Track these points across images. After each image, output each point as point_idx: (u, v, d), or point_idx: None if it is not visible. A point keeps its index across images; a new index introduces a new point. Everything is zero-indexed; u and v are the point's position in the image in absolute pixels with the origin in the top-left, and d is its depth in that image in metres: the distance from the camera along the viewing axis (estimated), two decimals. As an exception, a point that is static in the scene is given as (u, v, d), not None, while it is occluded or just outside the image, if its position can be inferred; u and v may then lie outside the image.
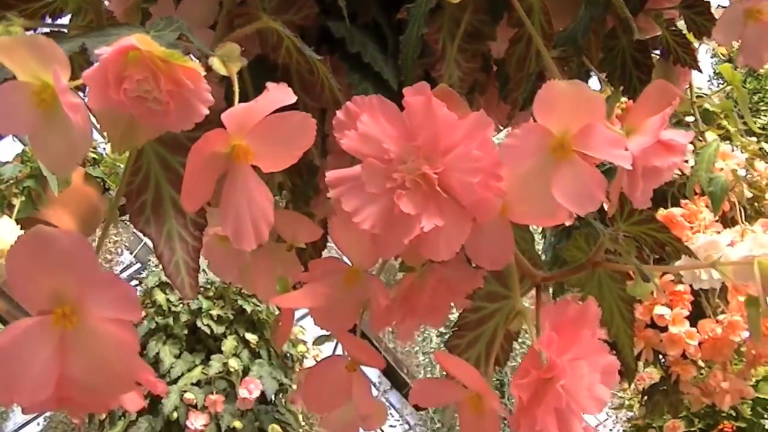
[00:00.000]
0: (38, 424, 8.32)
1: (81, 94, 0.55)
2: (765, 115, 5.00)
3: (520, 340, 0.80)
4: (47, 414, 7.70)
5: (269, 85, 0.55)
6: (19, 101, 0.56)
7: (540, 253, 1.89)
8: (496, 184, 0.58)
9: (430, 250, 0.59)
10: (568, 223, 2.09)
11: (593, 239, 0.78)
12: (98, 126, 0.58)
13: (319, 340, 0.79)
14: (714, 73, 5.82)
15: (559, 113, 0.58)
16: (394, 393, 8.67)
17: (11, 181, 2.40)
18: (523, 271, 0.73)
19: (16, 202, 2.39)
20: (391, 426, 8.41)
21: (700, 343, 1.96)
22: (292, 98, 0.55)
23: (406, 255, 0.66)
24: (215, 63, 0.58)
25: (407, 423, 8.72)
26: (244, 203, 0.58)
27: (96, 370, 0.54)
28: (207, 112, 0.55)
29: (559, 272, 0.80)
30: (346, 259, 0.72)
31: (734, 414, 3.26)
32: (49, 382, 0.53)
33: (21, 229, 2.21)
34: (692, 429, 3.01)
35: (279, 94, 0.55)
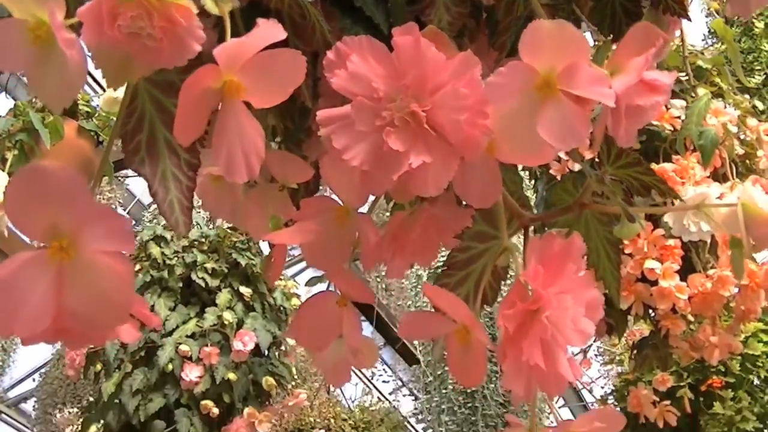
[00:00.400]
0: (33, 380, 8.38)
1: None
2: (759, 75, 5.00)
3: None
4: (42, 370, 7.76)
5: (260, 21, 0.56)
6: (15, 38, 0.57)
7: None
8: (482, 122, 0.59)
9: (418, 186, 0.61)
10: (559, 177, 2.09)
11: (581, 183, 0.80)
12: (94, 63, 0.59)
13: (311, 281, 0.81)
14: (708, 32, 5.82)
15: (544, 52, 0.59)
16: (387, 350, 8.73)
17: (3, 135, 2.40)
18: (512, 211, 0.75)
19: (9, 156, 2.40)
20: (384, 382, 8.50)
21: (689, 298, 1.96)
22: (283, 35, 0.56)
23: (395, 192, 0.67)
24: (207, 3, 0.59)
25: (400, 380, 8.79)
26: (235, 137, 0.59)
27: (92, 300, 0.55)
28: (199, 48, 0.56)
29: (546, 213, 0.82)
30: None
31: (723, 369, 3.29)
32: (47, 313, 0.55)
33: (13, 182, 2.21)
34: (681, 384, 3.04)
35: (269, 30, 0.56)
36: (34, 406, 7.74)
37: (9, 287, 0.54)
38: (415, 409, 6.67)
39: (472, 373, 0.67)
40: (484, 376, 0.67)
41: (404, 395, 8.15)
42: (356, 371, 9.24)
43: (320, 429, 5.11)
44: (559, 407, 13.72)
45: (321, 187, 0.84)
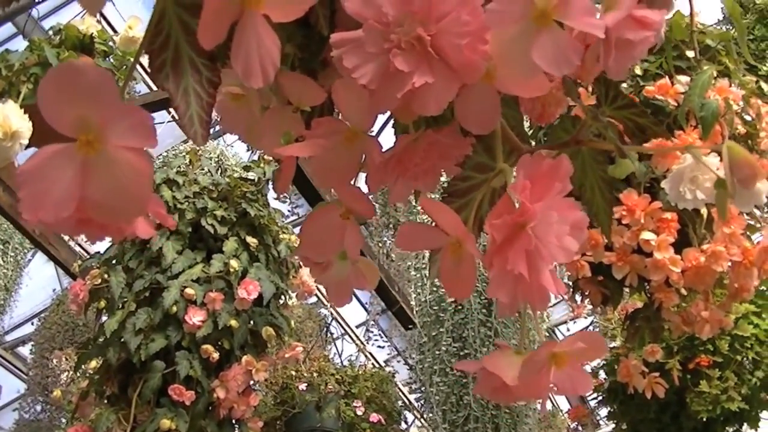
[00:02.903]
0: (32, 323, 8.48)
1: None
2: (770, 63, 5.03)
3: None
4: (43, 315, 7.83)
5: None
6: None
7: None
8: (482, 47, 0.64)
9: (420, 104, 0.66)
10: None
11: (579, 122, 0.84)
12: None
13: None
14: (723, 17, 5.86)
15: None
16: (384, 318, 8.84)
17: (19, 68, 2.44)
18: (511, 144, 0.80)
19: (23, 89, 2.43)
20: (379, 347, 8.62)
21: (683, 271, 2.00)
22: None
23: (399, 111, 0.72)
24: None
25: (395, 348, 8.90)
26: (253, 44, 0.64)
27: (114, 192, 0.60)
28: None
29: (543, 146, 0.86)
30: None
31: (712, 349, 3.35)
32: (71, 201, 0.59)
33: (25, 114, 2.25)
34: (670, 360, 3.09)
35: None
36: (31, 350, 7.83)
37: (37, 176, 0.58)
38: (410, 378, 6.73)
39: (462, 285, 0.72)
40: (472, 288, 0.72)
41: (398, 362, 8.23)
42: (352, 335, 9.37)
43: (303, 383, 5.19)
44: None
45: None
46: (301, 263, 3.26)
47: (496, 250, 0.65)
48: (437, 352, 4.32)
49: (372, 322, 8.45)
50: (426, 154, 0.77)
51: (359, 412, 5.15)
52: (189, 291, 2.92)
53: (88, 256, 3.40)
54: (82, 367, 3.04)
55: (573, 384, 0.75)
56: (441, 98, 0.66)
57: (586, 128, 0.81)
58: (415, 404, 6.31)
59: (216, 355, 2.90)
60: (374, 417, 5.20)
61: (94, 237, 0.69)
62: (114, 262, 3.09)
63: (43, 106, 0.58)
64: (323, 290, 8.33)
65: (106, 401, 2.93)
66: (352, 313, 10.06)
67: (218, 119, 0.84)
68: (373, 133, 0.78)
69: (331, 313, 7.77)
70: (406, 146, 0.77)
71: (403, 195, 0.80)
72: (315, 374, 5.26)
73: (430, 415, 4.67)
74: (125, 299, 2.96)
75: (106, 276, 3.00)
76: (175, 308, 2.91)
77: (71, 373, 6.21)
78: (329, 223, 0.77)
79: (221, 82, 0.74)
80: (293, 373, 5.17)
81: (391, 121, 0.86)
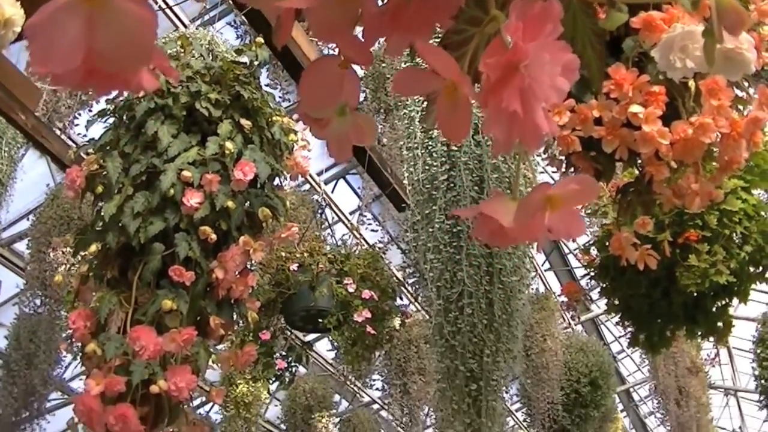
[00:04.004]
0: (27, 219, 8.52)
1: None
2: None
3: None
4: (38, 210, 7.88)
5: None
6: None
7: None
8: None
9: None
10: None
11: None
12: None
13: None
14: None
15: None
16: (377, 204, 8.93)
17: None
18: (503, -4, 0.82)
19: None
20: (372, 230, 8.74)
21: (672, 144, 2.03)
22: None
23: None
24: None
25: (388, 233, 9.00)
26: None
27: (119, 42, 0.62)
28: None
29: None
30: None
31: (701, 223, 3.40)
32: (78, 52, 0.61)
33: (17, 1, 2.24)
34: (660, 235, 3.13)
35: None
36: (28, 245, 7.88)
37: (45, 30, 0.60)
38: (403, 263, 6.80)
39: (458, 128, 0.75)
40: (468, 131, 0.75)
41: (392, 246, 8.31)
42: (343, 219, 9.48)
43: (295, 263, 5.28)
44: (546, 270, 13.99)
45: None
46: (294, 144, 3.28)
47: (490, 88, 0.68)
48: (430, 230, 4.36)
49: (365, 207, 8.54)
50: (419, 7, 0.79)
51: (350, 290, 5.24)
52: (186, 173, 2.93)
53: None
54: (81, 253, 3.06)
55: (567, 227, 0.78)
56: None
57: (577, -20, 0.83)
58: (409, 288, 6.40)
59: (214, 237, 2.92)
60: (366, 293, 5.29)
61: (101, 89, 0.71)
62: (109, 148, 3.09)
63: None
64: (316, 177, 8.36)
65: (106, 285, 2.96)
66: (345, 199, 10.15)
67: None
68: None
69: (324, 200, 7.83)
70: (399, 1, 0.79)
71: (399, 49, 0.83)
72: (306, 255, 5.34)
73: (425, 293, 4.73)
74: (122, 184, 2.97)
75: (101, 162, 3.01)
76: (172, 191, 2.92)
77: (69, 265, 6.27)
78: (328, 74, 0.80)
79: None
80: (284, 254, 5.25)
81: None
